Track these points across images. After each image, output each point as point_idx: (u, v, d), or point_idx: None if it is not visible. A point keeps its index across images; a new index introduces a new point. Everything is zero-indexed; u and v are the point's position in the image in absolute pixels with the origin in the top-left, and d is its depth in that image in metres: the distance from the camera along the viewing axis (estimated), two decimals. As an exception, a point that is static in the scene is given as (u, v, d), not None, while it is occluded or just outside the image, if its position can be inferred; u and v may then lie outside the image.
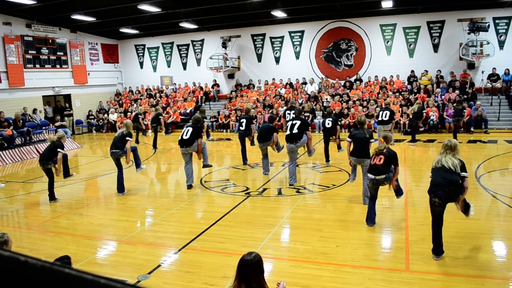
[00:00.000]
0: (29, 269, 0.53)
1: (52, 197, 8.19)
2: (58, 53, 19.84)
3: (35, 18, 18.31)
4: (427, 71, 18.46)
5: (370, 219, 6.07)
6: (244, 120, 10.60)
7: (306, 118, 8.79)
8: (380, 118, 11.56)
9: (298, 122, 8.29)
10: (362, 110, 17.49)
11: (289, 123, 8.38)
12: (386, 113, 11.44)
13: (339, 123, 11.38)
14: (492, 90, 17.14)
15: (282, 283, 3.29)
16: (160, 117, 14.44)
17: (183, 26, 20.40)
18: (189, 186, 8.80)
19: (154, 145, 14.33)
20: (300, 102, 18.19)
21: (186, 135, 8.52)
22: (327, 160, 10.67)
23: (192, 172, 8.86)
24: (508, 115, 16.28)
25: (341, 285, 4.44)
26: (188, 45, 22.85)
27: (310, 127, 8.66)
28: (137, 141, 15.30)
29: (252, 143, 11.16)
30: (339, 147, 11.15)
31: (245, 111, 11.40)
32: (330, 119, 10.58)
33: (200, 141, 8.59)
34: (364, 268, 4.83)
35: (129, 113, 20.09)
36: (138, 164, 8.92)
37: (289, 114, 11.12)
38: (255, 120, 17.57)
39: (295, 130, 8.23)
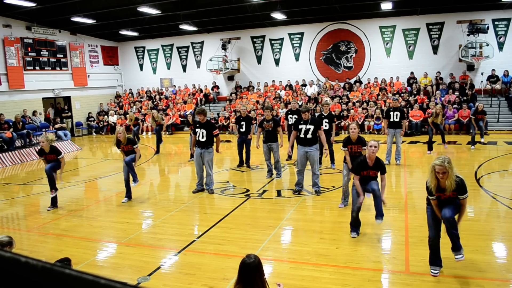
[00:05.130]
0: (30, 270, 0.54)
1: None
2: (58, 55, 19.87)
3: (35, 21, 18.34)
4: (426, 74, 18.49)
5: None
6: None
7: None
8: (392, 119, 10.60)
9: (312, 127, 7.80)
10: (362, 112, 17.52)
11: (302, 128, 7.85)
12: (396, 114, 10.56)
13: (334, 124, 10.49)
14: (492, 91, 17.16)
15: (280, 286, 3.28)
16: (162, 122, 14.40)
17: (183, 28, 20.46)
18: (198, 190, 8.70)
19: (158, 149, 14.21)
20: (300, 103, 18.20)
21: (202, 138, 8.31)
22: (332, 162, 10.62)
23: (202, 177, 8.68)
24: (508, 116, 16.30)
25: (341, 287, 4.44)
26: (188, 47, 22.88)
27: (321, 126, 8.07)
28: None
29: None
30: (331, 160, 10.56)
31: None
32: (327, 120, 10.22)
33: (218, 138, 8.46)
34: (364, 269, 4.83)
35: (128, 116, 20.09)
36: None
37: (291, 118, 11.08)
38: (255, 121, 17.60)
39: (309, 136, 7.83)
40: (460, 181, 4.31)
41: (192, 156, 13.83)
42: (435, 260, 4.60)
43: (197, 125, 8.44)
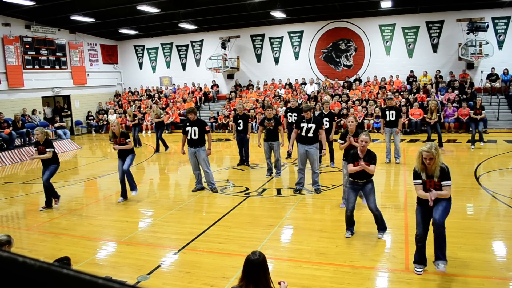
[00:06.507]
0: (27, 270, 0.53)
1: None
2: (57, 54, 19.84)
3: (34, 19, 18.31)
4: (426, 72, 18.48)
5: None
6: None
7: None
8: (388, 119, 10.63)
9: (314, 126, 7.78)
10: (362, 110, 17.51)
11: (304, 126, 7.84)
12: (392, 113, 10.55)
13: (334, 122, 10.47)
14: (491, 90, 17.16)
15: (284, 283, 3.27)
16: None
17: (182, 26, 20.42)
18: (198, 189, 8.69)
19: (159, 146, 14.19)
20: (299, 102, 18.18)
21: (195, 135, 8.27)
22: (332, 160, 10.61)
23: (200, 175, 8.68)
24: (507, 115, 16.30)
25: (340, 285, 4.44)
26: (187, 45, 22.86)
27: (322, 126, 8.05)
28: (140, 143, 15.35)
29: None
30: (331, 159, 10.58)
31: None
32: (327, 118, 10.20)
33: (209, 135, 8.43)
34: (363, 268, 4.83)
35: (126, 114, 20.08)
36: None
37: (291, 116, 11.08)
38: (254, 120, 17.60)
39: (310, 134, 7.81)
40: (445, 168, 4.40)
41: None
42: (420, 258, 4.63)
43: (187, 123, 8.40)
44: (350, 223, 5.85)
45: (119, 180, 8.16)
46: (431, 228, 4.55)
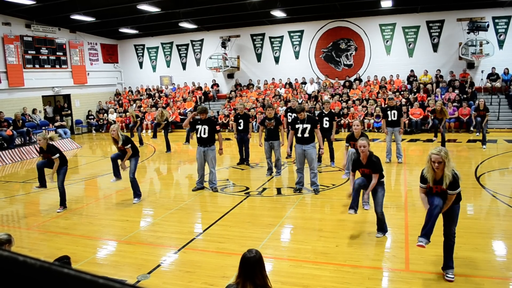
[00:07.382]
0: (28, 269, 0.53)
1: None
2: (57, 53, 19.83)
3: (34, 18, 18.30)
4: (427, 71, 18.47)
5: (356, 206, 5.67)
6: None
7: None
8: (389, 119, 10.53)
9: (309, 126, 7.79)
10: (362, 110, 17.50)
11: (299, 127, 7.85)
12: (394, 113, 10.44)
13: (335, 122, 10.45)
14: (492, 89, 17.16)
15: None
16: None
17: (183, 26, 20.41)
18: (198, 188, 8.68)
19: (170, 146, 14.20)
20: (299, 101, 18.18)
21: (204, 134, 8.29)
22: (332, 160, 10.61)
23: (203, 175, 8.69)
24: (508, 114, 16.29)
25: (341, 284, 4.44)
26: (187, 45, 22.85)
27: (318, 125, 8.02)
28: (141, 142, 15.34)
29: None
30: (331, 158, 10.54)
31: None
32: (327, 118, 10.22)
33: (219, 135, 8.45)
34: (364, 267, 4.83)
35: (128, 113, 20.08)
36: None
37: (291, 116, 11.07)
38: (254, 119, 17.59)
39: (306, 135, 7.82)
40: (455, 176, 4.27)
41: (187, 139, 14.05)
42: (430, 230, 4.36)
43: (198, 121, 8.41)
44: (356, 195, 5.54)
45: (110, 158, 7.93)
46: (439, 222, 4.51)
